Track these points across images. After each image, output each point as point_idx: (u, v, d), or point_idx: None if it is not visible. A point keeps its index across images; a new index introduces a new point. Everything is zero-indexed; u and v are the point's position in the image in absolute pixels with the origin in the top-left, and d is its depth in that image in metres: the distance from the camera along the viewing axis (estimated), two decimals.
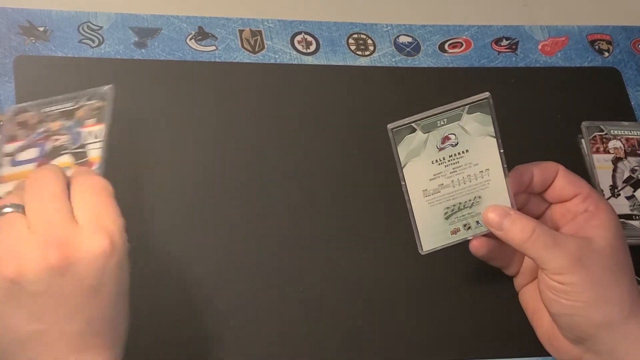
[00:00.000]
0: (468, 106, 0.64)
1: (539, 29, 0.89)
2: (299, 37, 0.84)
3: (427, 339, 0.72)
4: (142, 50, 0.80)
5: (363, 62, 0.84)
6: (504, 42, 0.88)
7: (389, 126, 0.63)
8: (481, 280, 0.75)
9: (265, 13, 0.85)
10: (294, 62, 0.82)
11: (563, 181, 0.68)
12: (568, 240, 0.66)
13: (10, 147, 0.67)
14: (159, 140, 0.76)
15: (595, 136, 0.81)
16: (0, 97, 0.75)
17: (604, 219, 0.67)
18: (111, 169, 0.73)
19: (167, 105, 0.78)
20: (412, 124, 0.64)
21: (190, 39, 0.82)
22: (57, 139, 0.68)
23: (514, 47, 0.88)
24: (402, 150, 0.64)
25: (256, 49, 0.82)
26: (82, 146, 0.67)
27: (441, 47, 0.86)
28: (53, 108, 0.69)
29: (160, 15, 0.82)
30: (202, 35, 0.82)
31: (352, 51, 0.84)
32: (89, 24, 0.80)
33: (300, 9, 0.86)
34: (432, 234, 0.68)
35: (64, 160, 0.67)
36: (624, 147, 0.81)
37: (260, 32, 0.84)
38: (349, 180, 0.77)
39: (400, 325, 0.72)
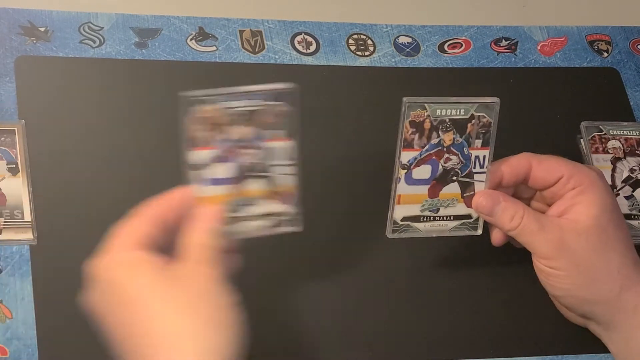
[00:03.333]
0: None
1: (538, 30, 0.90)
2: (299, 38, 0.84)
3: (427, 339, 0.72)
4: (143, 50, 0.80)
5: (363, 62, 0.84)
6: (504, 43, 0.88)
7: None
8: (481, 280, 0.75)
9: (265, 13, 0.85)
10: (294, 63, 0.83)
11: (540, 171, 0.69)
12: (553, 224, 0.67)
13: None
14: (159, 140, 0.76)
15: (594, 136, 0.81)
16: (1, 98, 0.75)
17: (591, 195, 0.67)
18: (112, 170, 0.74)
19: (167, 106, 0.78)
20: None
21: (191, 40, 0.82)
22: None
23: (513, 47, 0.88)
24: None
25: (256, 50, 0.83)
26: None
27: (441, 48, 0.86)
28: (239, 104, 0.61)
29: (161, 16, 0.82)
30: (202, 35, 0.82)
31: (352, 51, 0.84)
32: (90, 25, 0.80)
33: (301, 10, 0.86)
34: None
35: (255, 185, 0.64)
36: (623, 147, 0.81)
37: (260, 32, 0.84)
38: (349, 181, 0.77)
39: (400, 325, 0.72)
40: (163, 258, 0.60)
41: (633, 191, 0.79)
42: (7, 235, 0.69)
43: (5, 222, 0.69)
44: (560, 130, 0.83)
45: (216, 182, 0.63)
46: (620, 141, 0.81)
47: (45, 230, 0.70)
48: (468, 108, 0.65)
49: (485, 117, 0.66)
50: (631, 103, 0.86)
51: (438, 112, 0.65)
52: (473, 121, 0.66)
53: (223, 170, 0.63)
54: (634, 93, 0.87)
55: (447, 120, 0.65)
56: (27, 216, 0.70)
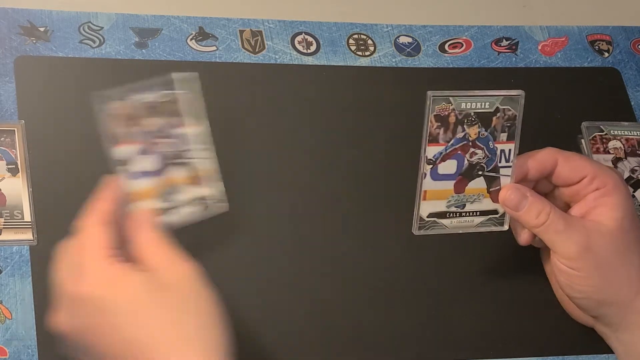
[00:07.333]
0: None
1: (538, 30, 0.89)
2: (299, 38, 0.84)
3: (426, 339, 0.72)
4: (143, 50, 0.80)
5: (363, 62, 0.84)
6: (504, 43, 0.88)
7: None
8: (481, 280, 0.75)
9: (265, 13, 0.85)
10: (294, 63, 0.82)
11: (566, 168, 0.69)
12: (578, 225, 0.67)
13: None
14: None
15: (595, 136, 0.81)
16: (1, 98, 0.75)
17: (614, 198, 0.67)
18: (111, 171, 0.74)
19: None
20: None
21: (191, 40, 0.82)
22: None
23: (514, 47, 0.88)
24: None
25: (257, 50, 0.83)
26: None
27: (441, 48, 0.86)
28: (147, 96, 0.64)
29: (161, 16, 0.82)
30: (202, 35, 0.82)
31: (353, 51, 0.84)
32: (90, 25, 0.80)
33: (301, 10, 0.86)
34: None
35: None
36: (624, 147, 0.81)
37: (260, 32, 0.84)
38: (350, 180, 0.77)
39: (402, 325, 0.72)
40: (136, 265, 0.60)
41: (634, 191, 0.79)
42: (7, 236, 0.69)
43: (5, 222, 0.69)
44: (561, 131, 0.83)
45: (143, 175, 0.64)
46: (621, 141, 0.81)
47: (45, 231, 0.69)
48: (493, 101, 0.65)
49: (510, 110, 0.66)
50: (632, 103, 0.86)
51: (463, 105, 0.64)
52: (498, 114, 0.65)
53: (147, 163, 0.64)
54: (634, 93, 0.87)
55: (472, 114, 0.65)
56: (27, 216, 0.70)
